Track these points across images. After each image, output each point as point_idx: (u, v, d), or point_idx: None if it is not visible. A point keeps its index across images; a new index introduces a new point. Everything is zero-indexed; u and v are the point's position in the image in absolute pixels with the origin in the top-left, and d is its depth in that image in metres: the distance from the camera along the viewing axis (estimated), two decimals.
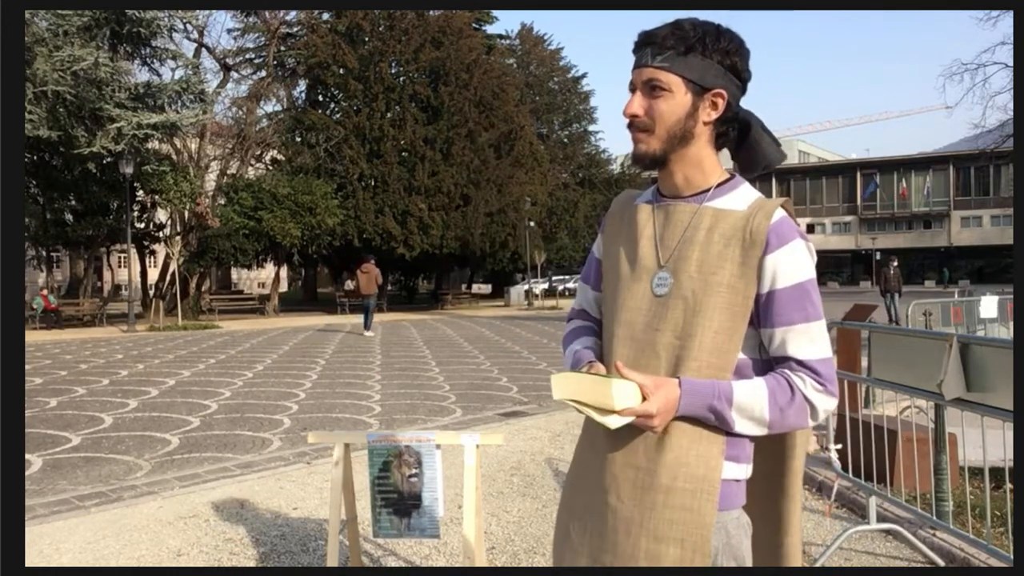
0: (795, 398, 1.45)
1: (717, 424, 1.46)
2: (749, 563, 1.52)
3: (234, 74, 31.09)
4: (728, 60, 1.49)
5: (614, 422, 1.41)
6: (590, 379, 1.43)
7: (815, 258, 1.51)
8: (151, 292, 28.15)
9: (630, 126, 1.53)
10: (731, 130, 1.56)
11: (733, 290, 1.47)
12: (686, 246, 1.51)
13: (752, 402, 1.44)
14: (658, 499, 1.46)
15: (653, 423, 1.42)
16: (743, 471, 1.52)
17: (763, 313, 1.48)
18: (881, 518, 4.15)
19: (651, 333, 1.51)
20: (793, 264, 1.46)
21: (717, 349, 1.47)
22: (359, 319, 21.49)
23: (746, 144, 1.59)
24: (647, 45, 1.51)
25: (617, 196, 1.76)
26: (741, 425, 1.45)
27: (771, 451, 1.62)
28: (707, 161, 1.54)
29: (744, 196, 1.54)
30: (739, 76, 1.52)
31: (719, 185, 1.55)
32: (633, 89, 1.54)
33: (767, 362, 1.53)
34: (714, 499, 1.45)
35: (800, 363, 1.47)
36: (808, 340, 1.47)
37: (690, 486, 1.45)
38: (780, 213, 1.49)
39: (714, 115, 1.51)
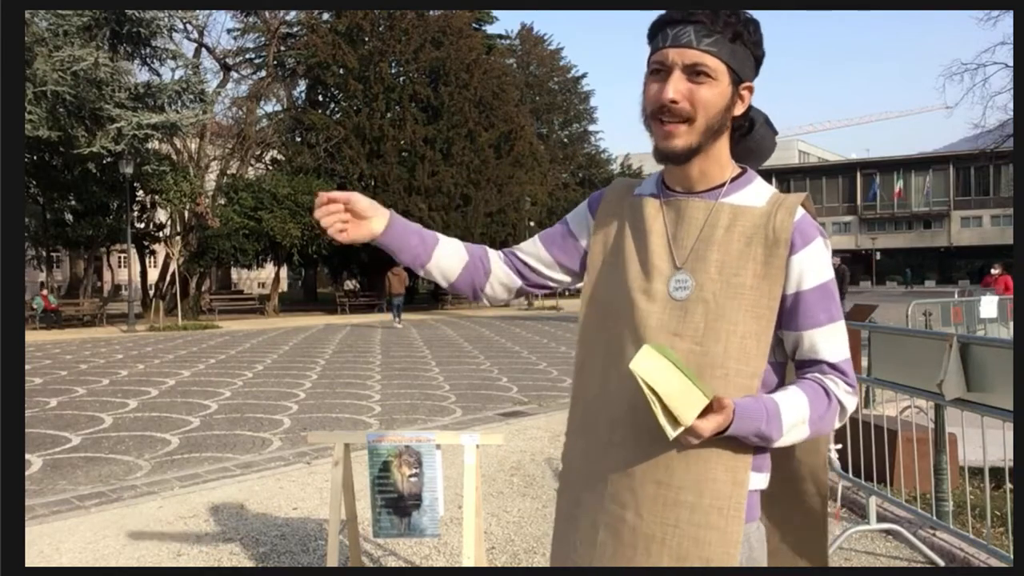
0: (831, 404, 1.40)
1: (758, 445, 1.37)
2: None
3: (234, 74, 31.09)
4: (758, 52, 1.43)
5: (673, 432, 1.29)
6: (686, 382, 1.28)
7: (831, 253, 1.45)
8: (151, 292, 28.16)
9: (664, 112, 1.38)
10: (745, 124, 1.48)
11: (757, 291, 1.39)
12: (704, 246, 1.42)
13: (797, 419, 1.37)
14: (682, 516, 1.37)
15: (693, 442, 1.32)
16: (765, 480, 1.46)
17: (787, 315, 1.42)
18: (881, 518, 4.15)
19: (667, 339, 1.40)
20: (817, 264, 1.40)
21: (745, 355, 1.38)
22: (359, 319, 23.84)
23: (749, 138, 1.51)
24: (689, 23, 1.37)
25: (612, 184, 1.64)
26: (782, 443, 1.38)
27: (795, 452, 1.56)
28: (724, 156, 1.46)
29: (761, 191, 1.46)
30: (757, 72, 1.46)
31: (733, 180, 1.46)
32: (661, 70, 1.39)
33: (781, 364, 1.47)
34: (741, 515, 1.37)
35: (832, 366, 1.42)
36: (835, 341, 1.42)
37: (717, 503, 1.37)
38: (801, 210, 1.42)
39: (741, 109, 1.44)
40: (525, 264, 1.64)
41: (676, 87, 1.36)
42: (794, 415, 1.37)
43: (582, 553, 1.48)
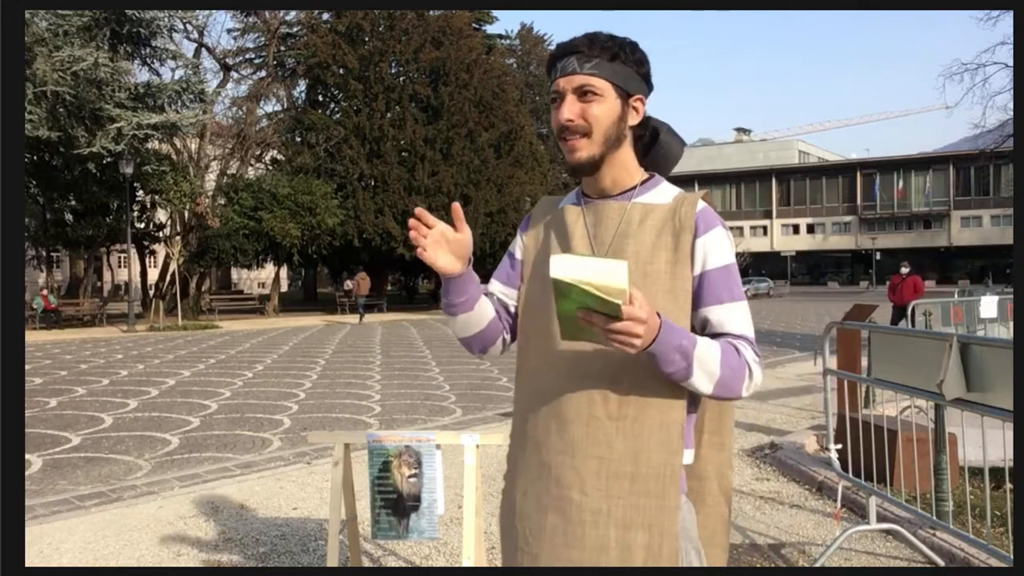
0: (741, 361, 1.51)
1: (679, 369, 1.43)
2: (700, 546, 1.58)
3: (234, 74, 31.08)
4: (642, 70, 1.60)
5: (623, 302, 1.30)
6: (597, 261, 1.34)
7: (734, 247, 1.61)
8: (151, 292, 28.15)
9: (565, 132, 1.57)
10: (646, 134, 1.66)
11: (672, 275, 1.55)
12: (621, 240, 1.58)
13: (709, 355, 1.46)
14: (624, 486, 1.50)
15: (635, 340, 1.34)
16: (690, 456, 1.61)
17: (696, 295, 1.56)
18: (881, 518, 4.15)
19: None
20: (720, 247, 1.56)
21: None
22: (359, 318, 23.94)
23: (656, 147, 1.69)
24: (571, 55, 1.57)
25: (537, 204, 1.80)
26: (697, 376, 1.45)
27: (702, 450, 1.69)
28: (631, 163, 1.63)
29: (667, 191, 1.64)
30: (648, 85, 1.63)
31: (643, 183, 1.64)
32: (557, 98, 1.58)
33: None
34: (677, 482, 1.51)
35: (739, 336, 1.54)
36: (740, 317, 1.55)
37: (654, 471, 1.50)
38: (702, 204, 1.60)
39: (636, 120, 1.61)
40: (506, 310, 1.75)
41: (570, 109, 1.56)
42: (706, 350, 1.46)
43: (533, 542, 1.57)
